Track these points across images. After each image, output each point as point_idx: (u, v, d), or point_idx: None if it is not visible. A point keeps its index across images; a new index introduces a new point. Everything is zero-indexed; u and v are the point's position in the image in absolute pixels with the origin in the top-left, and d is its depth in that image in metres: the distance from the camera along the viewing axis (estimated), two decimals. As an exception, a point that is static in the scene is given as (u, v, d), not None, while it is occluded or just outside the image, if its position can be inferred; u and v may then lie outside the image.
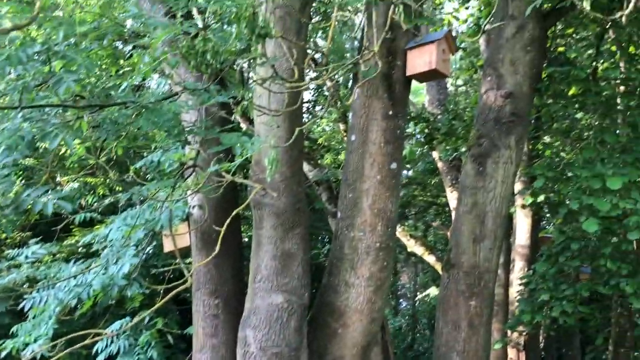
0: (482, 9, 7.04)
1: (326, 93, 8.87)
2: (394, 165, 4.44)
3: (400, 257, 14.67)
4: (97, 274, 4.25)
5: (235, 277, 4.95)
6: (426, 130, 7.44)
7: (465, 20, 7.48)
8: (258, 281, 4.05)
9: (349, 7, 2.96)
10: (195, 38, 2.85)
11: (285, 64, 3.86)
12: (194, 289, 4.89)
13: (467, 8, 7.33)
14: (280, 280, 3.99)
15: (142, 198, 4.08)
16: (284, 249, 4.00)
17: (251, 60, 3.42)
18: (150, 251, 5.14)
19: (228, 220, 3.33)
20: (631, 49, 6.01)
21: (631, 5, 1.95)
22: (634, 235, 4.79)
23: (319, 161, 9.07)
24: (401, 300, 20.53)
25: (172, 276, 5.25)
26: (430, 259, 8.90)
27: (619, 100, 5.91)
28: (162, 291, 4.63)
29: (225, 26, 2.64)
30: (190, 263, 4.99)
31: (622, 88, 5.96)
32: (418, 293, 16.77)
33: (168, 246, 4.93)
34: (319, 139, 9.81)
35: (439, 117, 8.12)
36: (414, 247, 8.98)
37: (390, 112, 4.45)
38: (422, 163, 10.05)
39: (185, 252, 5.13)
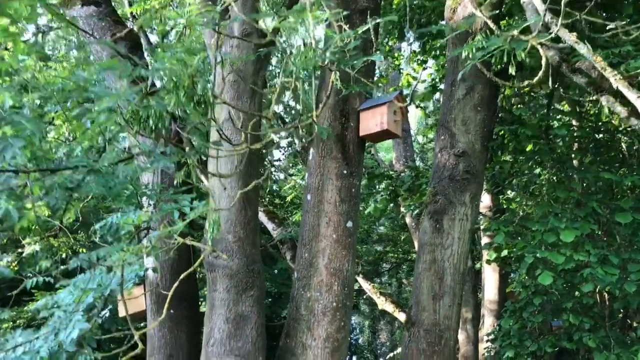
0: (439, 69, 7.32)
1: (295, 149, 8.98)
2: (349, 224, 4.47)
3: (376, 315, 14.47)
4: (46, 340, 4.13)
5: (191, 341, 4.84)
6: (390, 187, 7.54)
7: (424, 80, 7.75)
8: (211, 345, 3.96)
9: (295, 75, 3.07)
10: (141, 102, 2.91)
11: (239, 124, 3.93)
12: (148, 353, 4.76)
13: (425, 69, 7.63)
14: (233, 344, 3.91)
15: (92, 263, 4.03)
16: (237, 311, 3.94)
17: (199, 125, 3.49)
18: (107, 315, 5.01)
19: (176, 284, 3.31)
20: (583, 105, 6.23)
21: (540, 73, 2.08)
22: (587, 287, 4.84)
23: (289, 218, 9.08)
24: (380, 359, 20.13)
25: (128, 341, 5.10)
26: (401, 316, 8.81)
27: (574, 157, 6.09)
28: (121, 354, 4.51)
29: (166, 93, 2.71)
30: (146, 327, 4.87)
31: (576, 145, 6.15)
32: (395, 351, 16.50)
33: (123, 310, 4.82)
34: (288, 197, 9.85)
35: (402, 174, 8.26)
36: (384, 304, 8.90)
37: (345, 172, 4.52)
38: (387, 220, 10.08)
39: (143, 316, 5.02)
